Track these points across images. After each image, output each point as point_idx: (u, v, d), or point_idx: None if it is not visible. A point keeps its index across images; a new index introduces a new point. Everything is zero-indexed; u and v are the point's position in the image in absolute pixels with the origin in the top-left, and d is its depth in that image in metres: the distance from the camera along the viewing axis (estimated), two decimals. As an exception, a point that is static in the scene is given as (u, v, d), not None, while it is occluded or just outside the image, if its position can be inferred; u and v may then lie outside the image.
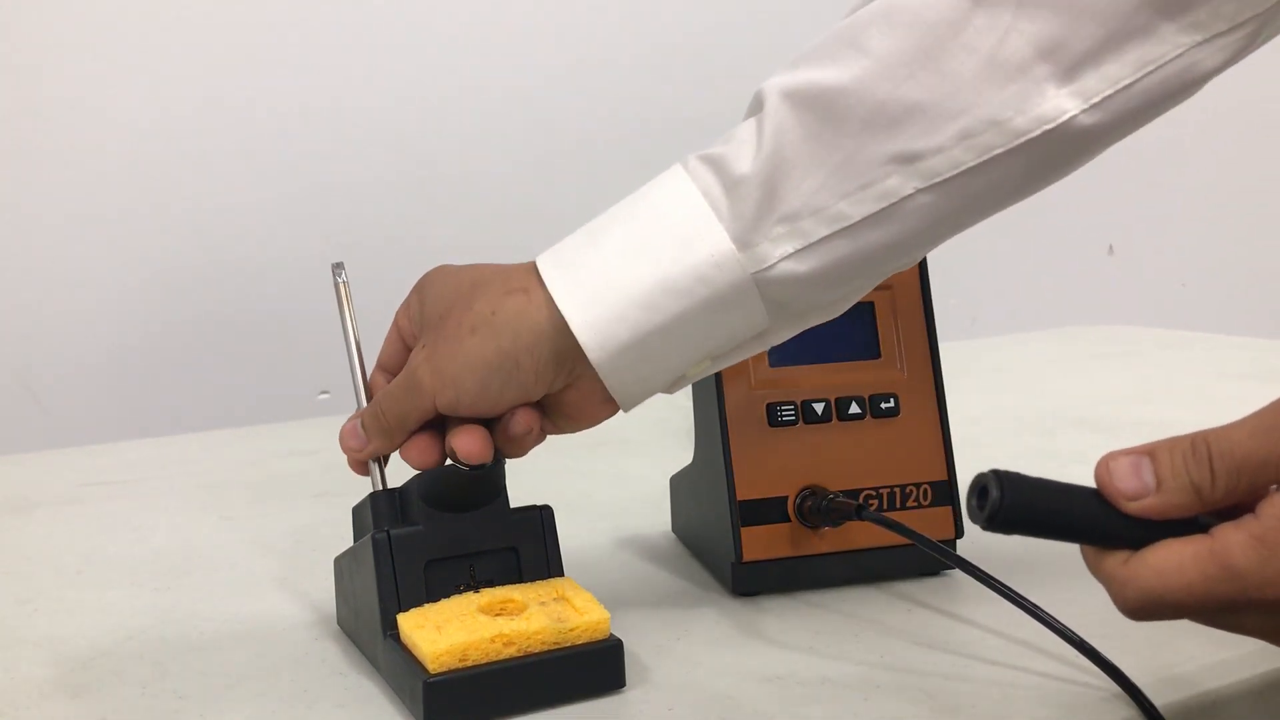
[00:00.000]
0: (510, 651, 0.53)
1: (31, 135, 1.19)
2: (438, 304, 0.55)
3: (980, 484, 0.41)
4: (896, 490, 0.67)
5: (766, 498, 0.65)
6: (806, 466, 0.66)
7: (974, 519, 0.42)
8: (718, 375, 0.66)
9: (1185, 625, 0.58)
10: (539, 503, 0.60)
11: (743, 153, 0.50)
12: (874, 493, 0.66)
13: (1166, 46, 0.48)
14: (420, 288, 0.57)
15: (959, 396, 0.73)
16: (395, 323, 0.59)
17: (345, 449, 0.58)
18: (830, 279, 0.51)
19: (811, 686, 0.55)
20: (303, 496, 0.90)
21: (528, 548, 0.59)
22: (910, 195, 0.49)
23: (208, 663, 0.60)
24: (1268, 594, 0.40)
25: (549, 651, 0.53)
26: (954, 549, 0.66)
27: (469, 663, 0.52)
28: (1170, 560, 0.41)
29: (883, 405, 0.67)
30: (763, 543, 0.65)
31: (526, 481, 0.67)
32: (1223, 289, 1.94)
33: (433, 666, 0.52)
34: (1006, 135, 0.48)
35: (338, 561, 0.63)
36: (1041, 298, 1.80)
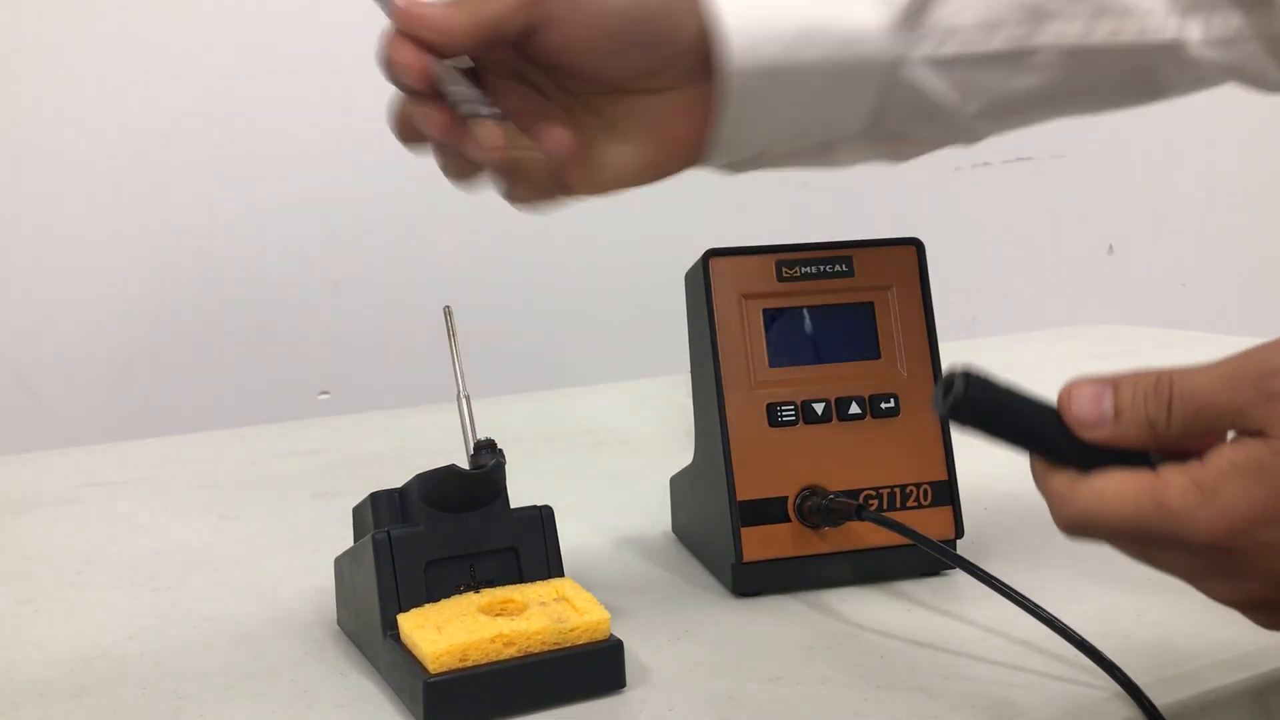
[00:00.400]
0: (510, 651, 0.53)
1: (32, 137, 1.19)
2: None
3: (950, 378, 0.43)
4: (896, 490, 0.67)
5: (766, 498, 0.65)
6: (806, 466, 0.66)
7: (936, 409, 0.44)
8: (717, 375, 0.66)
9: (1184, 625, 0.58)
10: (539, 503, 0.60)
11: None
12: (874, 493, 0.66)
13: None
14: None
15: (959, 396, 0.73)
16: None
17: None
18: (939, 103, 0.54)
19: (811, 686, 0.55)
20: (303, 496, 0.90)
21: (528, 548, 0.59)
22: (1033, 51, 0.53)
23: (208, 663, 0.60)
24: (1192, 538, 0.41)
25: (549, 652, 0.53)
26: (954, 549, 0.66)
27: (469, 663, 0.52)
28: (1111, 488, 0.42)
29: (883, 405, 0.67)
30: (763, 543, 0.65)
31: (526, 481, 0.67)
32: (1223, 289, 1.94)
33: (433, 666, 0.52)
34: (1133, 31, 0.52)
35: (338, 562, 0.63)
36: (1041, 298, 1.79)
